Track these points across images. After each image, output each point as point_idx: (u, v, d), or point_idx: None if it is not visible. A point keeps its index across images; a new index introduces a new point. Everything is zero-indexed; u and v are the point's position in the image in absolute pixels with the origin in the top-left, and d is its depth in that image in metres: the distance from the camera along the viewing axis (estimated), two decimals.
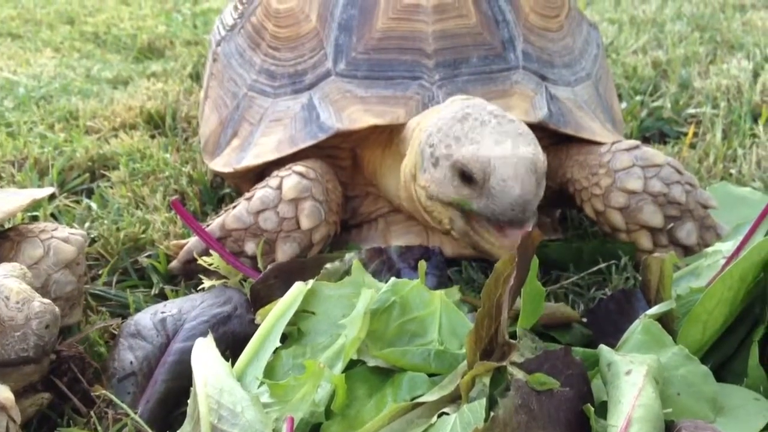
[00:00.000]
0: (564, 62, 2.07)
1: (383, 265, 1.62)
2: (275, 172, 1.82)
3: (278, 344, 1.33)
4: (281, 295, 1.42)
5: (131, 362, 1.45)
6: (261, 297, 1.54)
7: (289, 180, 1.77)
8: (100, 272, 1.88)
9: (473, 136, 1.60)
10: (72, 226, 1.89)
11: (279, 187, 1.77)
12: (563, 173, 1.94)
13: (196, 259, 1.74)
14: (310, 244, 1.78)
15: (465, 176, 1.59)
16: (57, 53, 3.67)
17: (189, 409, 1.27)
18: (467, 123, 1.63)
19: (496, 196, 1.54)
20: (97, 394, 1.42)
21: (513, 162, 1.54)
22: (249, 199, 1.78)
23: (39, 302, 1.32)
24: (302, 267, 1.60)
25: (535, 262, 1.28)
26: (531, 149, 1.58)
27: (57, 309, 1.34)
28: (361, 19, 1.96)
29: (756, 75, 3.11)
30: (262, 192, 1.78)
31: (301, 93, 1.97)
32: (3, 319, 1.29)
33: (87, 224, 2.05)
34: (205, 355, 1.31)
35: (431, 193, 1.66)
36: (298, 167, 1.80)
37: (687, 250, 1.79)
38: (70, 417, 1.43)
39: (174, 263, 1.83)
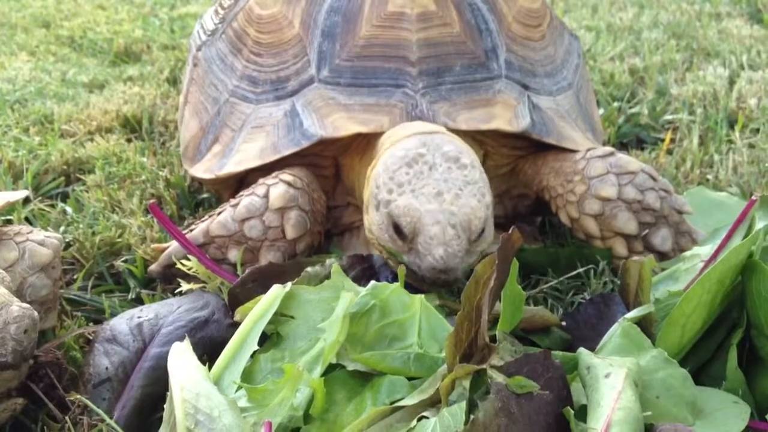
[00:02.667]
0: (546, 72, 2.07)
1: (364, 273, 1.61)
2: (261, 180, 1.81)
3: (256, 347, 1.32)
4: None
5: (107, 368, 1.43)
6: (239, 301, 1.52)
7: (276, 189, 1.76)
8: (75, 277, 1.86)
9: (415, 185, 1.59)
10: (47, 230, 1.87)
11: (266, 196, 1.75)
12: (539, 180, 1.95)
13: (176, 264, 1.72)
14: (294, 253, 1.77)
15: (397, 229, 1.58)
16: (32, 57, 3.64)
17: (165, 414, 1.26)
18: (414, 168, 1.61)
19: (422, 254, 1.54)
20: (71, 399, 1.40)
21: (443, 222, 1.53)
22: (235, 206, 1.76)
23: (17, 306, 1.29)
24: (281, 271, 1.59)
25: (515, 265, 1.28)
26: (471, 203, 1.57)
27: (36, 313, 1.32)
28: (344, 26, 1.95)
29: (732, 82, 3.14)
30: (248, 200, 1.76)
31: (284, 99, 1.95)
32: None
33: (62, 228, 2.03)
34: (182, 359, 1.30)
35: (373, 233, 1.66)
36: (285, 176, 1.79)
37: (662, 256, 1.80)
38: (45, 423, 1.41)
39: (154, 267, 1.81)
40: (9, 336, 1.28)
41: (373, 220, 1.65)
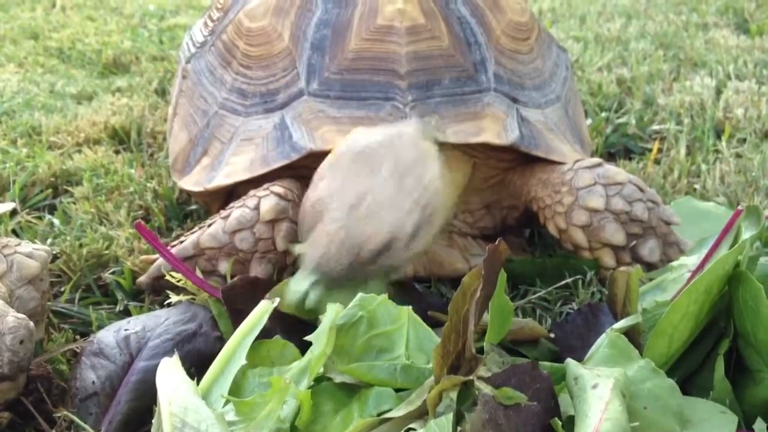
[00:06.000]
0: (534, 84, 2.08)
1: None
2: (252, 192, 1.80)
3: (244, 362, 1.32)
4: (248, 306, 1.40)
5: (93, 382, 1.42)
6: (231, 303, 1.53)
7: (267, 201, 1.75)
8: (62, 289, 1.85)
9: (343, 181, 1.54)
10: (34, 243, 1.86)
11: (256, 208, 1.74)
12: (527, 191, 1.95)
13: (165, 275, 1.71)
14: (285, 265, 1.76)
15: (301, 214, 1.58)
16: (20, 68, 3.63)
17: (153, 429, 1.25)
18: (357, 163, 1.55)
19: (305, 255, 1.51)
20: (58, 414, 1.39)
21: (334, 236, 1.47)
22: (225, 218, 1.76)
23: (13, 317, 1.28)
24: (267, 285, 1.59)
25: (502, 276, 1.28)
26: (381, 226, 1.48)
27: (32, 324, 1.31)
28: (333, 40, 1.95)
29: (719, 92, 3.16)
30: (239, 212, 1.75)
31: (273, 112, 1.95)
32: None
33: (49, 240, 2.02)
34: (170, 374, 1.29)
35: None
36: (276, 188, 1.78)
37: (650, 267, 1.80)
38: None
39: (142, 278, 1.80)
40: (5, 347, 1.26)
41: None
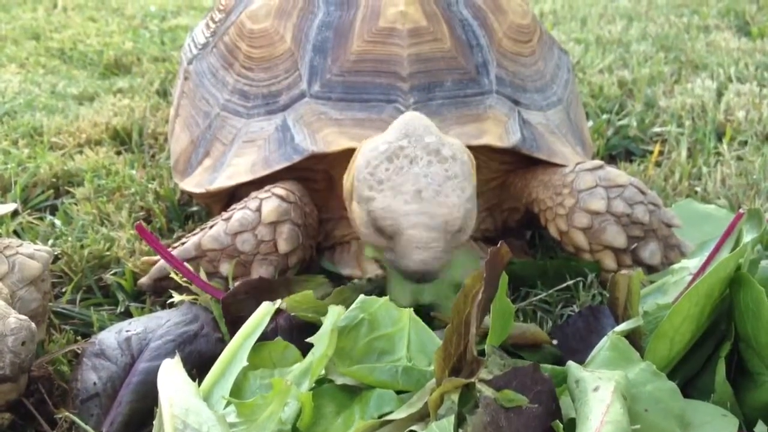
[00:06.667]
0: (536, 87, 2.08)
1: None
2: (254, 194, 1.80)
3: (245, 364, 1.32)
4: (250, 311, 1.40)
5: (95, 383, 1.42)
6: (230, 311, 1.52)
7: (269, 203, 1.75)
8: (63, 290, 1.85)
9: (395, 181, 1.56)
10: (35, 243, 1.86)
11: (258, 210, 1.75)
12: (529, 193, 1.95)
13: (166, 277, 1.71)
14: (287, 267, 1.76)
15: (378, 228, 1.57)
16: (22, 69, 3.63)
17: (154, 430, 1.25)
18: (395, 162, 1.58)
19: (402, 257, 1.52)
20: (59, 415, 1.39)
21: (422, 225, 1.51)
22: (227, 220, 1.76)
23: (15, 318, 1.29)
24: (270, 286, 1.59)
25: (504, 278, 1.28)
26: (451, 201, 1.54)
27: (33, 325, 1.31)
28: (336, 42, 1.95)
29: (720, 94, 3.16)
30: (240, 213, 1.75)
31: (275, 114, 1.95)
32: None
33: (50, 241, 2.02)
34: (171, 375, 1.29)
35: (358, 227, 1.64)
36: (278, 190, 1.78)
37: (651, 269, 1.80)
38: None
39: (144, 280, 1.80)
40: (7, 348, 1.27)
41: (357, 215, 1.63)
